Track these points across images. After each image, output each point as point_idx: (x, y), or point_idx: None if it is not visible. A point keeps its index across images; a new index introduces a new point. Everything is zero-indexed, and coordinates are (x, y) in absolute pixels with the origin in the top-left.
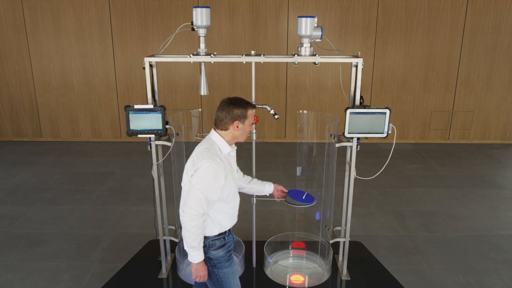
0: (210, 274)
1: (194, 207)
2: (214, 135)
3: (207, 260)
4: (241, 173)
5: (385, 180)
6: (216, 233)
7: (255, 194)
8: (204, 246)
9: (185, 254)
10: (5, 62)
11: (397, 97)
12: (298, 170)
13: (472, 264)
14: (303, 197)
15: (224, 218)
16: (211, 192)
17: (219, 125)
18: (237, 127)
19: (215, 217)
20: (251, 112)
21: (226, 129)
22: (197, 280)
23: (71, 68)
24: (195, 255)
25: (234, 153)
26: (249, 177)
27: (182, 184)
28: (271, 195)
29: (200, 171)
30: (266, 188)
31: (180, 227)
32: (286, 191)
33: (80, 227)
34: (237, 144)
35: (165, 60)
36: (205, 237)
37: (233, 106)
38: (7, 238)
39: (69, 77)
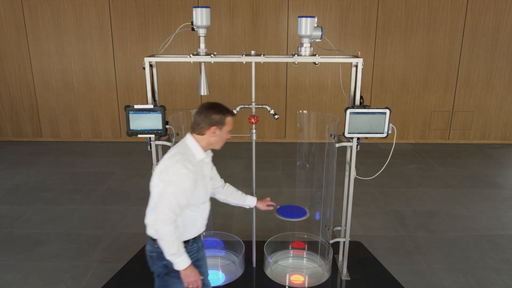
0: (159, 279)
1: (166, 213)
2: (189, 140)
3: (163, 266)
4: (222, 182)
5: (385, 180)
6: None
7: (236, 205)
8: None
9: None
10: (5, 62)
11: (397, 97)
12: (298, 167)
13: (472, 264)
14: (294, 212)
15: (192, 225)
16: (181, 197)
17: (195, 129)
18: (214, 133)
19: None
20: (229, 119)
21: (202, 134)
22: (190, 287)
23: (71, 68)
24: (179, 261)
25: (208, 160)
26: (231, 188)
27: (151, 187)
28: (255, 208)
29: (170, 176)
30: (247, 201)
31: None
32: (274, 204)
33: (80, 227)
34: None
35: (165, 60)
36: None
37: (212, 111)
38: (7, 238)
39: (69, 77)
